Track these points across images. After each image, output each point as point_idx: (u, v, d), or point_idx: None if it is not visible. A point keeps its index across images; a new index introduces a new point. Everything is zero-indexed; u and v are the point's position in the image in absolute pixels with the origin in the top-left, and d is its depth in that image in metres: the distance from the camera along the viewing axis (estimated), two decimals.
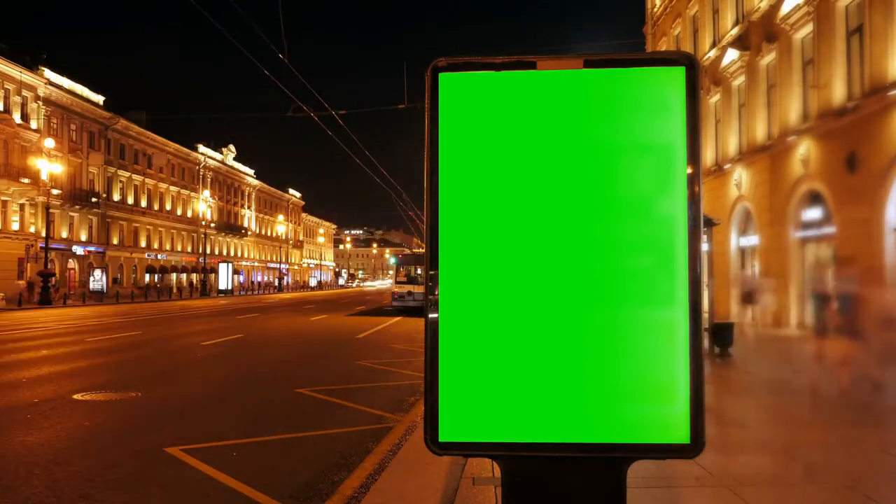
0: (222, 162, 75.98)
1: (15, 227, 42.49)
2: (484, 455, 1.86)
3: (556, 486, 1.78)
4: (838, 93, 16.08)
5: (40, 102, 44.58)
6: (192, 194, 68.48)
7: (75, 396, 8.89)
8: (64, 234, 47.39)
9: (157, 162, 60.87)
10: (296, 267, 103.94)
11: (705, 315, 10.64)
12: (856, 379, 8.90)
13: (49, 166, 38.72)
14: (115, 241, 54.66)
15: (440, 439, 1.74)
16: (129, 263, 56.94)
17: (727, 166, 22.55)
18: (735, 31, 21.90)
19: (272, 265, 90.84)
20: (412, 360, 12.51)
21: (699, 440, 1.70)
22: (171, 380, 10.89)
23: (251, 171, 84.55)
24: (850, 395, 8.95)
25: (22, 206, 43.17)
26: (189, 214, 67.78)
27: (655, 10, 30.63)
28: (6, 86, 41.64)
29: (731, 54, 21.85)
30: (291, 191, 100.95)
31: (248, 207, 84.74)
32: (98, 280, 48.18)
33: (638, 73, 1.74)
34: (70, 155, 47.64)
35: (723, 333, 12.36)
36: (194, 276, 65.84)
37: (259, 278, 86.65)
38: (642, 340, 1.72)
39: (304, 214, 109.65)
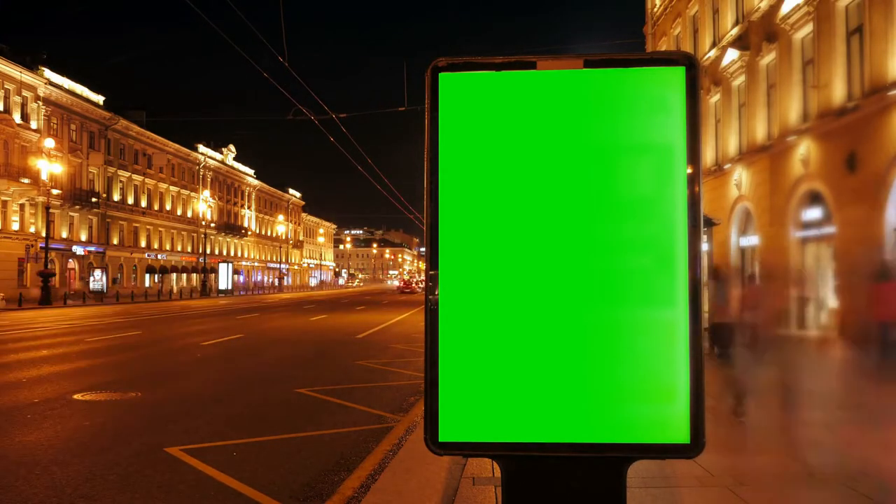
0: (222, 162, 75.94)
1: (15, 227, 42.47)
2: (484, 455, 1.86)
3: (556, 486, 1.78)
4: (838, 93, 16.07)
5: (40, 102, 44.55)
6: (192, 194, 68.45)
7: (75, 396, 8.89)
8: (64, 234, 47.38)
9: (157, 162, 60.83)
10: (296, 267, 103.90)
11: (705, 315, 10.64)
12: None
13: (49, 166, 38.68)
14: (115, 241, 54.64)
15: (440, 439, 1.74)
16: (129, 263, 56.94)
17: (727, 166, 22.54)
18: (735, 31, 21.90)
19: (272, 265, 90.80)
20: (412, 361, 12.50)
21: (699, 440, 1.70)
22: (172, 380, 10.88)
23: (251, 171, 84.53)
24: (853, 396, 8.94)
25: (22, 206, 43.16)
26: (189, 214, 67.76)
27: (655, 10, 30.61)
28: (6, 86, 41.62)
29: (731, 54, 21.83)
30: (291, 191, 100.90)
31: (248, 207, 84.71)
32: (98, 280, 48.15)
33: (638, 73, 1.74)
34: (70, 155, 47.61)
35: (723, 333, 12.33)
36: (194, 276, 65.85)
37: (259, 278, 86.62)
38: (642, 340, 1.72)
39: (304, 214, 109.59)
